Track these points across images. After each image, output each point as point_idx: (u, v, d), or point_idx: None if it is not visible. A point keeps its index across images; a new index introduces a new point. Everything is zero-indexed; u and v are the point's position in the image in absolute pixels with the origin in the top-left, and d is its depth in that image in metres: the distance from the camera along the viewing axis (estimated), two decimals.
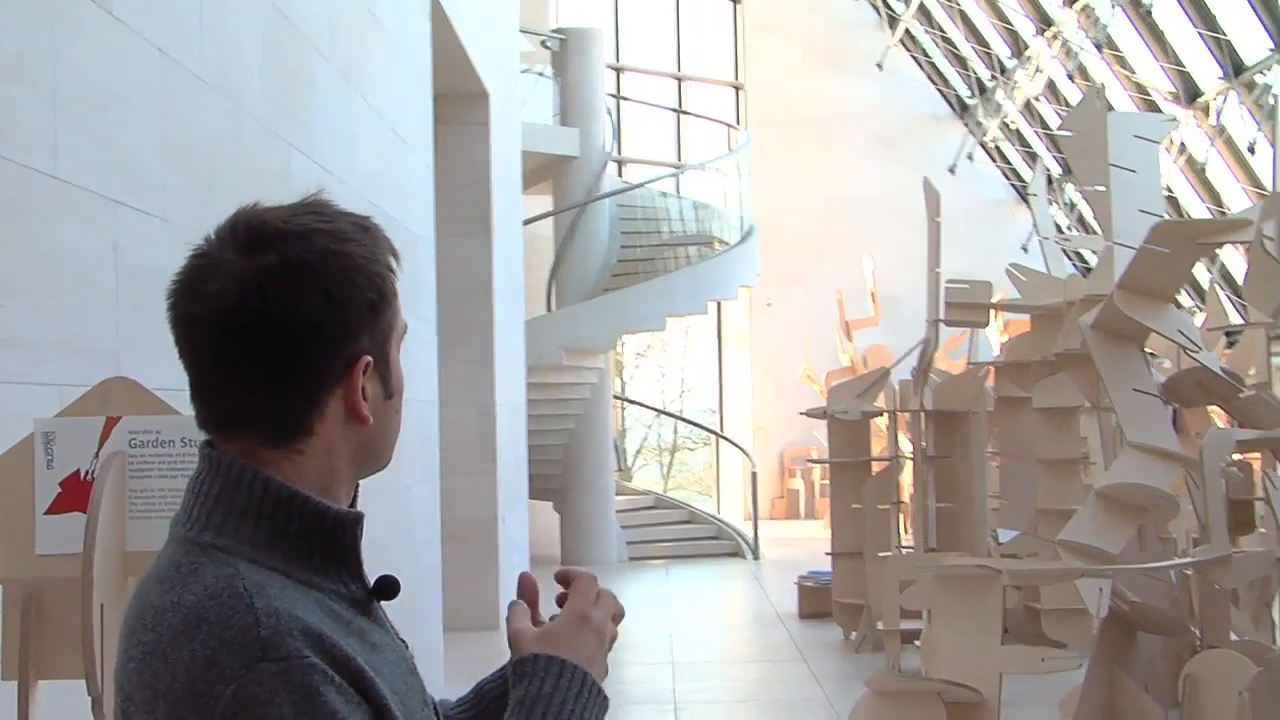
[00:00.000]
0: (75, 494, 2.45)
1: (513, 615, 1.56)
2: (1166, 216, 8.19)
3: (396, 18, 7.63)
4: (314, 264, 1.36)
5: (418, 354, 7.74)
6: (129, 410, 2.49)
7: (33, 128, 3.30)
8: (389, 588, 1.47)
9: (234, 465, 1.38)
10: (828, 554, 11.40)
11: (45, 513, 2.46)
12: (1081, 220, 25.34)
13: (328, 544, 1.40)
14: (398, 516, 7.30)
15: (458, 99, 11.59)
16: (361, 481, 1.50)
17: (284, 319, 1.34)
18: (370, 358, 1.41)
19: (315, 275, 1.36)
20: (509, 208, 13.02)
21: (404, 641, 1.51)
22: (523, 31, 16.05)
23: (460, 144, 11.66)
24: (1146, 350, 7.83)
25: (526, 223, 14.94)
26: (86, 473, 2.45)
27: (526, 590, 1.60)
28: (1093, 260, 23.31)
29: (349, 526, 1.42)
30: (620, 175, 21.40)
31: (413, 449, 7.56)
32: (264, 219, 1.39)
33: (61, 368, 3.35)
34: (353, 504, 1.48)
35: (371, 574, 1.47)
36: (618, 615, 1.61)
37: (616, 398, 19.78)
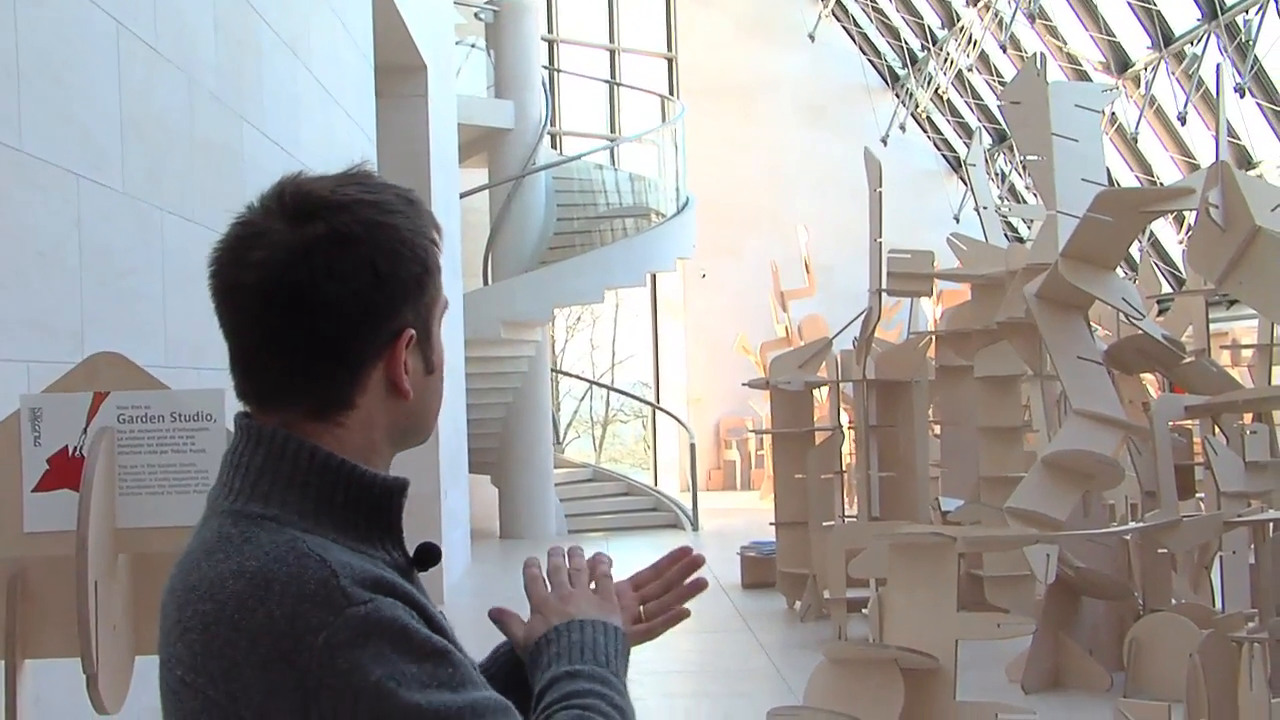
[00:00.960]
0: (64, 471, 2.42)
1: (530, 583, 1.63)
2: (1108, 185, 8.30)
3: None
4: (360, 236, 1.36)
5: None
6: (116, 385, 2.46)
7: None
8: (431, 556, 1.48)
9: (277, 435, 1.38)
10: (770, 524, 11.43)
11: (33, 490, 2.43)
12: (1013, 190, 25.59)
13: (373, 513, 1.40)
14: None
15: (396, 72, 11.51)
16: None
17: (330, 291, 1.34)
18: (414, 331, 1.41)
19: (362, 247, 1.35)
20: (446, 180, 12.97)
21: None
22: (457, 3, 15.96)
23: (399, 117, 11.58)
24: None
25: (463, 196, 14.88)
26: (74, 449, 2.42)
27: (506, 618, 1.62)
28: (1025, 231, 23.58)
29: (396, 494, 1.43)
30: (556, 148, 21.37)
31: None
32: (311, 189, 1.38)
33: (28, 344, 3.30)
34: None
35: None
36: (583, 563, 1.69)
37: (553, 370, 19.67)
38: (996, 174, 25.93)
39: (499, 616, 1.61)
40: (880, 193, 10.23)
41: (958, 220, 25.56)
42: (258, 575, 1.27)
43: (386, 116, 11.05)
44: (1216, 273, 6.57)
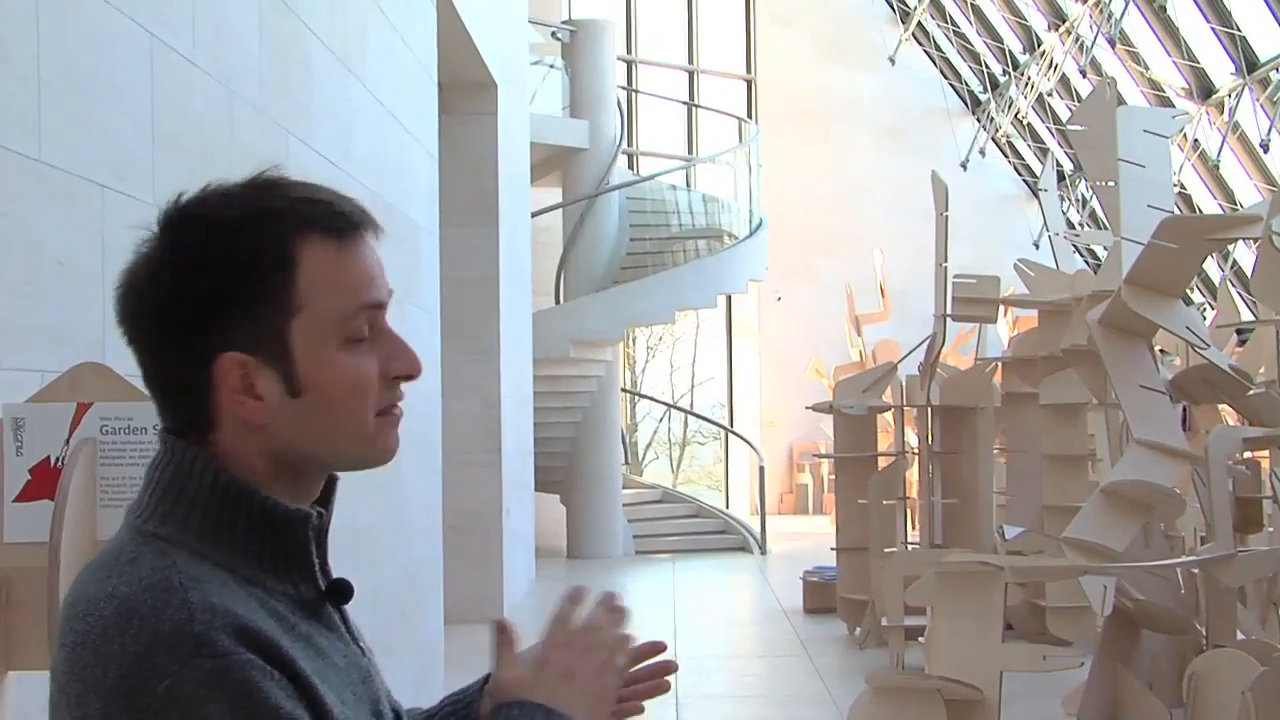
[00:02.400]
0: (45, 481, 2.39)
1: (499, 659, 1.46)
2: (1176, 212, 8.14)
3: (400, 4, 7.58)
4: (167, 252, 1.30)
5: (417, 345, 7.69)
6: (100, 396, 2.43)
7: (14, 111, 3.24)
8: (342, 591, 1.39)
9: (186, 452, 1.32)
10: (833, 549, 11.32)
11: (14, 500, 2.40)
12: (1094, 216, 25.28)
13: (277, 542, 1.32)
14: (395, 507, 7.25)
15: (465, 89, 11.54)
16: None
17: (137, 311, 1.30)
18: (244, 355, 1.30)
19: (166, 266, 1.29)
20: (516, 198, 12.97)
21: (363, 649, 1.43)
22: (532, 23, 15.99)
23: (467, 134, 11.62)
24: (1156, 348, 7.79)
25: (535, 214, 14.88)
26: (56, 459, 2.39)
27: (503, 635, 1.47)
28: (1105, 256, 23.23)
29: (297, 525, 1.34)
30: (630, 168, 21.36)
31: (412, 440, 7.49)
32: (168, 205, 1.33)
33: (44, 354, 3.29)
34: (325, 500, 1.41)
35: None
36: (613, 640, 1.48)
37: (624, 391, 19.68)
38: (1078, 199, 25.62)
39: (499, 632, 1.46)
40: (946, 217, 10.12)
41: (1036, 246, 25.27)
42: (124, 604, 1.21)
43: (454, 133, 11.10)
44: None
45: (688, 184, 19.73)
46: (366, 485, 5.93)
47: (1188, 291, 7.72)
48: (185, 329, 1.29)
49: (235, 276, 1.29)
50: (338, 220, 1.35)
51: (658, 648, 1.64)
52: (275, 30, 5.25)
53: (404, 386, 1.42)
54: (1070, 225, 24.37)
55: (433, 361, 8.42)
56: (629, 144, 19.93)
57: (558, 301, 16.79)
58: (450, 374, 9.52)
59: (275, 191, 1.34)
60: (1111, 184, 7.87)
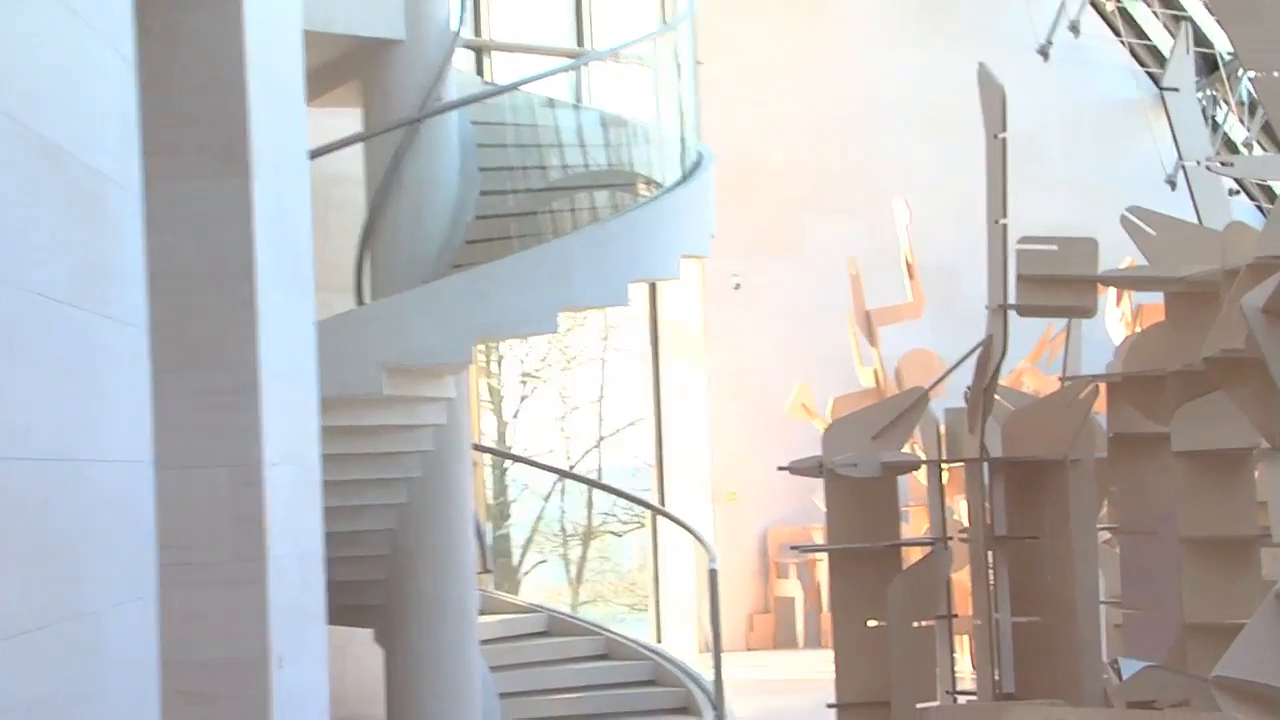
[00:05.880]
0: None
1: None
2: None
3: None
4: None
5: (106, 380, 7.42)
6: None
7: None
8: None
9: None
10: (830, 706, 11.22)
11: None
12: (1269, 131, 25.37)
13: None
14: (78, 661, 7.01)
15: None
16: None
17: None
18: None
19: None
20: (283, 128, 12.67)
21: None
22: None
23: (191, 23, 11.32)
24: None
25: (317, 153, 14.53)
26: None
27: None
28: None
29: None
30: (480, 73, 21.04)
31: (103, 545, 7.24)
32: None
33: None
34: None
35: None
36: None
37: (479, 449, 19.37)
38: (1239, 101, 25.79)
39: None
40: (1003, 140, 10.17)
41: (1172, 186, 25.35)
42: None
43: (168, 22, 10.82)
44: None
45: (576, 98, 19.47)
46: (24, 624, 5.70)
47: None
48: None
49: None
50: None
51: None
52: None
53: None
54: (1229, 148, 24.47)
55: (138, 409, 8.19)
56: (476, 32, 19.60)
57: (360, 302, 16.57)
58: (173, 429, 9.31)
59: None
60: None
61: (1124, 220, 10.09)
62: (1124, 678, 9.19)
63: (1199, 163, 10.73)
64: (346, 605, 15.18)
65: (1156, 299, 11.66)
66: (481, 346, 19.97)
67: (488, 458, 26.72)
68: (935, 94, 25.04)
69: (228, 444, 11.50)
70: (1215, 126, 25.57)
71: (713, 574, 18.42)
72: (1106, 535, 11.38)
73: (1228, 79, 24.97)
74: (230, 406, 11.53)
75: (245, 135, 11.67)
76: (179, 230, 10.44)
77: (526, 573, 31.70)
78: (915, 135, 25.16)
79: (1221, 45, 24.58)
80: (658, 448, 26.04)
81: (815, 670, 20.27)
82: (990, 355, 10.22)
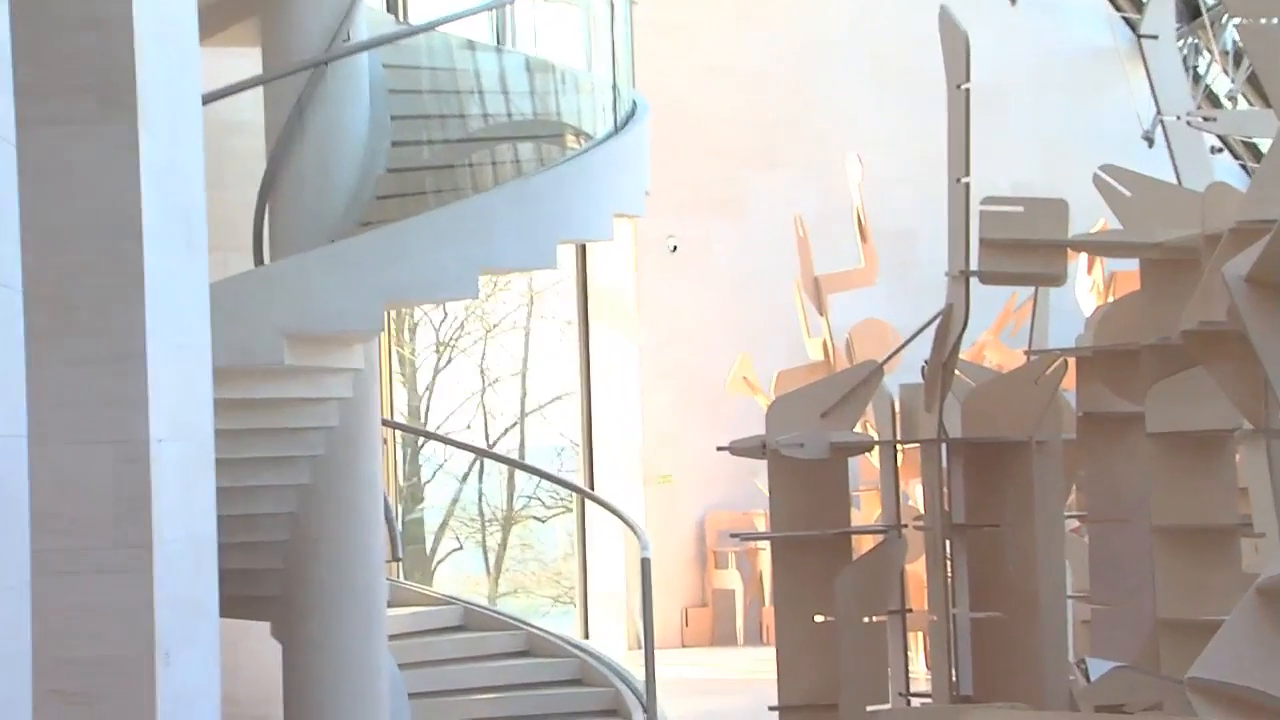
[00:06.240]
0: None
1: None
2: None
3: None
4: None
5: None
6: None
7: None
8: None
9: None
10: (772, 708, 11.15)
11: None
12: (1255, 83, 25.32)
13: None
14: None
15: None
16: None
17: None
18: None
19: None
20: (174, 70, 12.41)
21: None
22: None
23: None
24: None
25: (211, 98, 14.31)
26: None
27: None
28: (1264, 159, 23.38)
29: None
30: (393, 11, 20.79)
31: None
32: None
33: None
34: None
35: None
36: None
37: (389, 425, 19.51)
38: (1222, 52, 25.71)
39: None
40: (967, 90, 10.10)
41: (1149, 142, 25.17)
42: None
43: None
44: None
45: (497, 39, 19.30)
46: None
47: None
48: None
49: None
50: None
51: None
52: None
53: None
54: (1211, 102, 24.42)
55: (9, 378, 7.87)
56: None
57: (259, 262, 16.43)
58: (50, 401, 9.26)
59: None
60: (1276, 22, 7.94)
61: (1096, 180, 10.21)
62: (1092, 679, 9.68)
63: (1179, 117, 10.83)
64: (241, 596, 15.00)
65: (1131, 266, 11.83)
66: (393, 312, 19.82)
67: (399, 434, 26.73)
68: (892, 38, 25.09)
69: (109, 417, 11.19)
70: (1197, 78, 25.46)
71: (645, 563, 18.26)
72: (1074, 524, 11.58)
73: (1210, 26, 24.87)
74: (113, 375, 11.22)
75: (131, 76, 11.33)
76: (56, 181, 10.27)
77: (440, 561, 32.00)
78: (869, 83, 25.14)
79: None
80: (585, 425, 26.12)
81: (756, 669, 20.35)
82: (950, 326, 10.22)
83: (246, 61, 17.10)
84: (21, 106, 8.37)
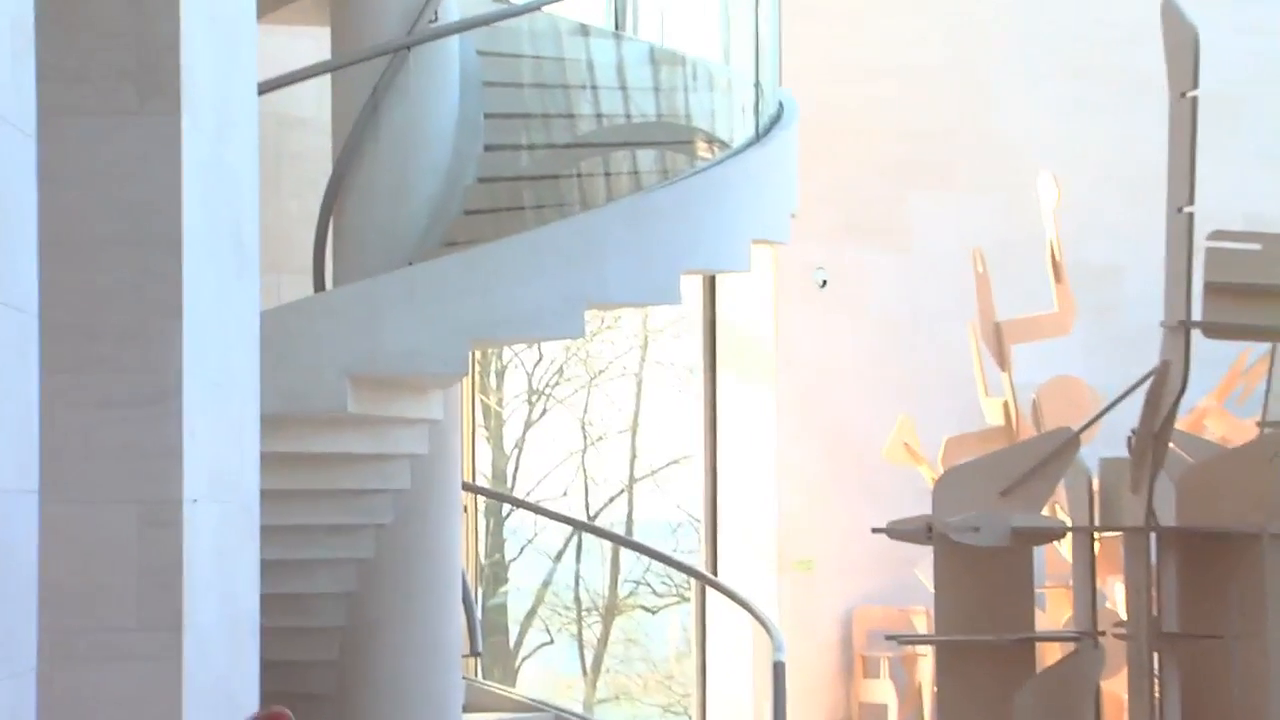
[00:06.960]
0: None
1: None
2: None
3: None
4: None
5: None
6: None
7: None
8: None
9: None
10: None
11: None
12: None
13: None
14: None
15: None
16: None
17: None
18: None
19: None
20: (225, 52, 12.01)
21: None
22: None
23: None
24: None
25: (268, 88, 13.93)
26: None
27: None
28: None
29: None
30: None
31: None
32: None
33: None
34: None
35: None
36: None
37: (470, 489, 19.64)
38: None
39: None
40: (1194, 99, 9.82)
41: None
42: None
43: None
44: None
45: (616, 23, 18.96)
46: None
47: None
48: None
49: None
50: None
51: None
52: None
53: None
54: None
55: (21, 422, 7.59)
56: None
57: (320, 287, 16.16)
58: (66, 451, 9.10)
59: None
60: None
61: None
62: None
63: None
64: (286, 692, 14.56)
65: None
66: (479, 353, 19.49)
67: (482, 501, 27.11)
68: (1095, 30, 24.59)
69: (136, 471, 10.82)
70: None
71: (778, 668, 18.06)
72: None
73: None
74: (141, 421, 10.84)
75: (175, 59, 10.88)
76: (81, 184, 9.90)
77: (527, 657, 32.65)
78: (1066, 85, 24.69)
79: None
80: (708, 496, 26.06)
81: None
82: (1164, 388, 10.20)
83: (312, 43, 16.84)
84: (43, 93, 7.87)
